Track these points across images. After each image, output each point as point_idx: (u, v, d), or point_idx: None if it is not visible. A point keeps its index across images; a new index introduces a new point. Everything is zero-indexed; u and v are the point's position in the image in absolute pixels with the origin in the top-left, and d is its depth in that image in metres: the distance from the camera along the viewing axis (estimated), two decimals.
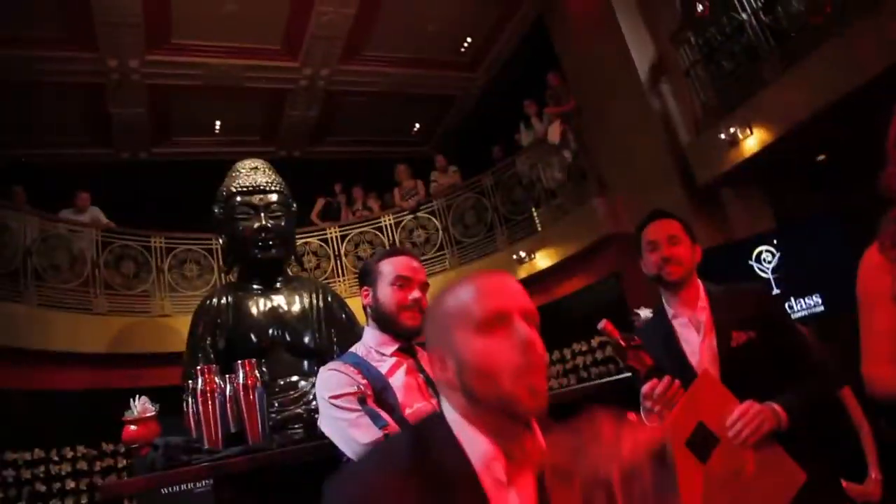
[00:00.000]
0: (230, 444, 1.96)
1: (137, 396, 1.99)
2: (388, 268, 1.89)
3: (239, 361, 2.14)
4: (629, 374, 2.10)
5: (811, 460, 1.70)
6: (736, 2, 5.99)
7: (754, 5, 5.83)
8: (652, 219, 2.07)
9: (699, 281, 2.03)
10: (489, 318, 0.95)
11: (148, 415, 1.95)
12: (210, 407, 1.98)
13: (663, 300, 2.06)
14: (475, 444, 0.94)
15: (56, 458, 5.72)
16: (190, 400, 2.04)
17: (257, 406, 2.04)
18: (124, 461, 6.25)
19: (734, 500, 1.64)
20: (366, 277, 1.96)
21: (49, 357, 6.00)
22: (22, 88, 8.06)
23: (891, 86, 4.70)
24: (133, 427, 1.93)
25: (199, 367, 2.12)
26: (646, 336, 2.03)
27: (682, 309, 1.99)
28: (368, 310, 1.91)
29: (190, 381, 2.12)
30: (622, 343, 1.70)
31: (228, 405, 2.03)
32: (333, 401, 1.69)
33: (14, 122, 8.72)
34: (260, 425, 2.05)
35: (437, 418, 0.99)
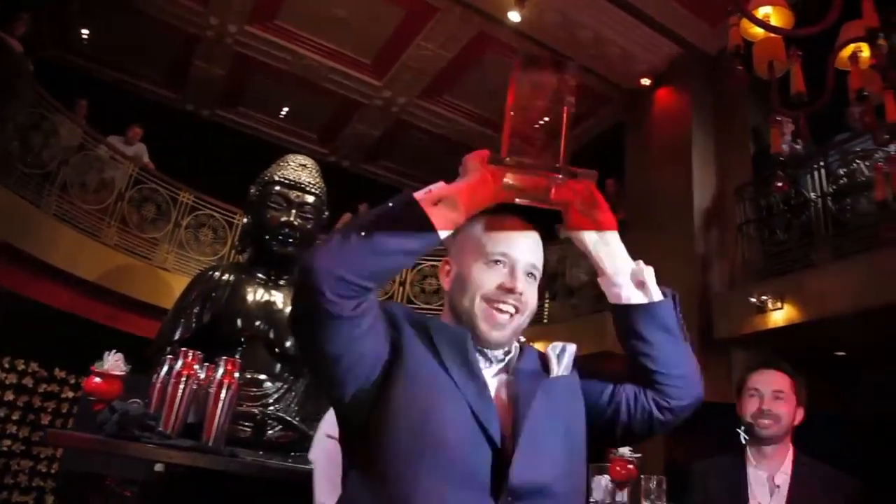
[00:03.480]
0: (184, 434, 1.91)
1: (113, 351, 1.95)
2: None
3: (224, 357, 2.10)
4: None
5: None
6: (810, 179, 6.04)
7: (825, 189, 5.86)
8: (765, 366, 2.03)
9: (791, 444, 1.97)
10: (495, 257, 1.14)
11: (116, 373, 1.91)
12: (180, 392, 1.93)
13: (747, 446, 2.00)
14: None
15: (7, 366, 5.65)
16: (163, 375, 2.00)
17: (224, 407, 1.99)
18: (70, 393, 6.15)
19: None
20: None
21: (42, 267, 5.99)
22: (122, 11, 8.32)
23: None
24: (98, 379, 1.88)
25: (183, 350, 2.08)
26: (710, 469, 1.96)
27: (765, 464, 1.93)
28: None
29: (170, 357, 2.07)
30: None
31: (196, 395, 1.99)
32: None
33: (104, 40, 9.01)
34: (218, 426, 1.99)
35: None
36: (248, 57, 9.07)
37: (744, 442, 2.03)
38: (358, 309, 0.99)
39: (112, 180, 7.22)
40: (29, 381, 5.81)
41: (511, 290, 1.11)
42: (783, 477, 1.88)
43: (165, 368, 2.02)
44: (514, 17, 7.24)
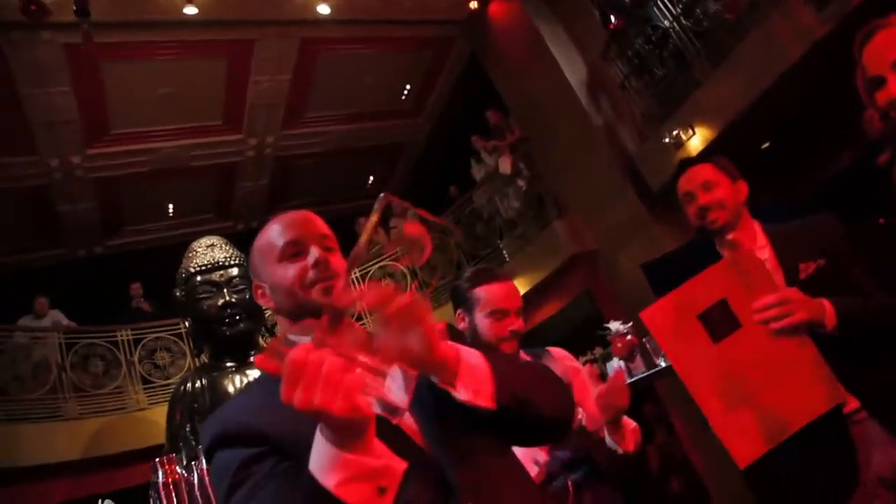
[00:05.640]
0: None
1: (101, 500, 1.86)
2: (484, 297, 1.85)
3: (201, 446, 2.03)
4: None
5: (869, 388, 1.50)
6: (657, 11, 6.20)
7: (675, 11, 6.02)
8: (682, 169, 1.95)
9: (752, 219, 1.88)
10: (287, 248, 1.14)
11: None
12: (175, 502, 1.86)
13: (717, 246, 1.88)
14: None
15: None
16: (152, 496, 1.92)
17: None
18: None
19: (746, 397, 1.40)
20: (459, 301, 1.92)
21: (19, 473, 5.71)
22: None
23: (812, 68, 4.88)
24: None
25: (157, 459, 2.01)
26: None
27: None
28: (466, 334, 1.70)
29: (151, 481, 2.00)
30: None
31: (196, 496, 1.91)
32: None
33: None
34: None
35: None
36: (107, 177, 8.73)
37: (719, 249, 1.89)
38: None
39: (45, 359, 6.92)
40: None
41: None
42: (763, 251, 1.78)
43: (153, 492, 1.95)
44: (324, 9, 7.16)
